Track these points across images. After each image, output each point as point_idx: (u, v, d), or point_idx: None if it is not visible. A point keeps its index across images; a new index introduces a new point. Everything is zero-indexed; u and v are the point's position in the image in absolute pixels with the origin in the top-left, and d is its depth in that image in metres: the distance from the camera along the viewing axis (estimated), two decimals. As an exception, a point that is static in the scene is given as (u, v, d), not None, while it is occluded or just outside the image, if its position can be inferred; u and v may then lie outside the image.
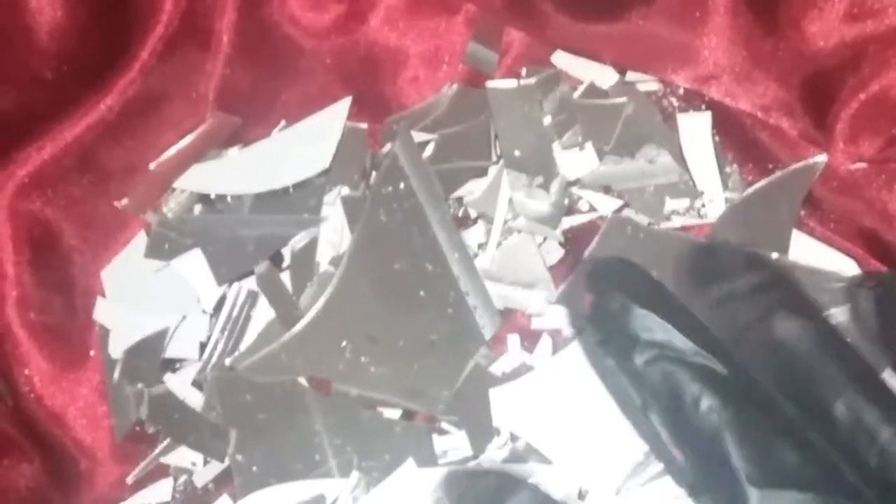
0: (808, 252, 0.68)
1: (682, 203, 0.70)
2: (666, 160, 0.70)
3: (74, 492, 0.71)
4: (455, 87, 0.76)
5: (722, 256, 0.58)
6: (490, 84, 0.75)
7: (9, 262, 0.70)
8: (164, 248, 0.73)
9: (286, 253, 0.73)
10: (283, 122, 0.76)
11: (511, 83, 0.74)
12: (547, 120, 0.73)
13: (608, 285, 0.49)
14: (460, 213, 0.74)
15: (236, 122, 0.75)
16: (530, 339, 0.70)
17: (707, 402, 0.45)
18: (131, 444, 0.72)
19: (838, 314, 0.64)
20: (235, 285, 0.72)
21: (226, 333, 0.71)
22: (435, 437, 0.68)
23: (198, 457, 0.71)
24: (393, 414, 0.69)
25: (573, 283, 0.68)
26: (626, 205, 0.71)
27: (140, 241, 0.74)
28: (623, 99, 0.73)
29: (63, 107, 0.69)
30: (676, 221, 0.71)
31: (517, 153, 0.71)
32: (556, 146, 0.72)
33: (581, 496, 0.64)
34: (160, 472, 0.72)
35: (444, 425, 0.69)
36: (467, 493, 0.52)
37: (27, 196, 0.70)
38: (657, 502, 0.63)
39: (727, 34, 0.69)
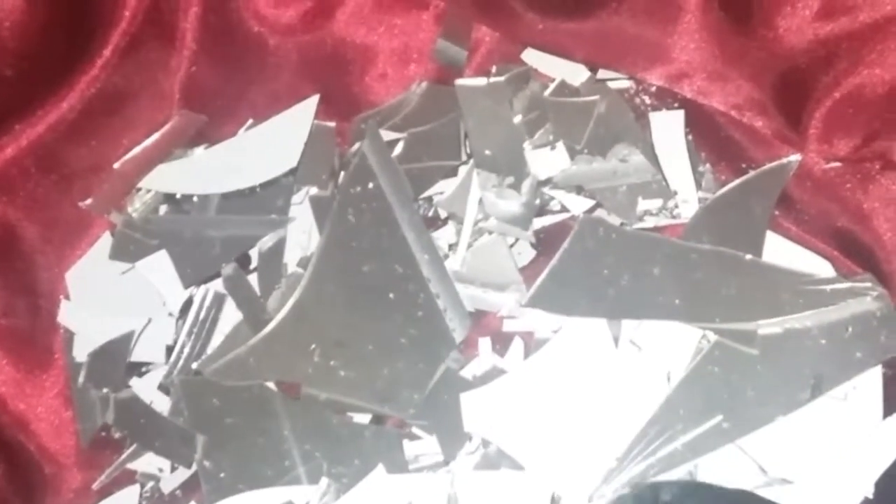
0: (783, 253, 0.67)
1: (655, 203, 0.70)
2: (638, 159, 0.70)
3: (39, 498, 0.70)
4: (424, 84, 0.76)
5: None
6: (459, 82, 0.74)
7: (-30, 265, 0.69)
8: (129, 249, 0.72)
9: (254, 254, 0.72)
10: (249, 121, 0.76)
11: (481, 81, 0.74)
12: (517, 118, 0.72)
13: None
14: (430, 214, 0.73)
15: (202, 120, 0.74)
16: (502, 341, 0.70)
17: None
18: (97, 450, 0.71)
19: (812, 317, 0.64)
20: (202, 287, 0.71)
21: (192, 337, 0.70)
22: (405, 442, 0.67)
23: (165, 463, 0.70)
24: (363, 419, 0.68)
25: (545, 285, 0.67)
26: (598, 205, 0.71)
27: (105, 242, 0.73)
28: (595, 97, 0.72)
29: (24, 105, 0.68)
30: (649, 222, 0.70)
31: (487, 152, 0.71)
32: (526, 145, 0.71)
33: (554, 502, 0.63)
34: (126, 478, 0.71)
35: (415, 430, 0.68)
36: None
37: (-12, 197, 0.68)
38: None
39: (699, 32, 0.69)
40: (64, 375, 0.71)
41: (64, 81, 0.68)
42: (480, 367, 0.69)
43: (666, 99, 0.73)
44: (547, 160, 0.70)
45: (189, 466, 0.69)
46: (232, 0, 0.73)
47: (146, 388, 0.71)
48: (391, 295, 0.67)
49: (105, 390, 0.70)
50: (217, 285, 0.71)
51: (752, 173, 0.69)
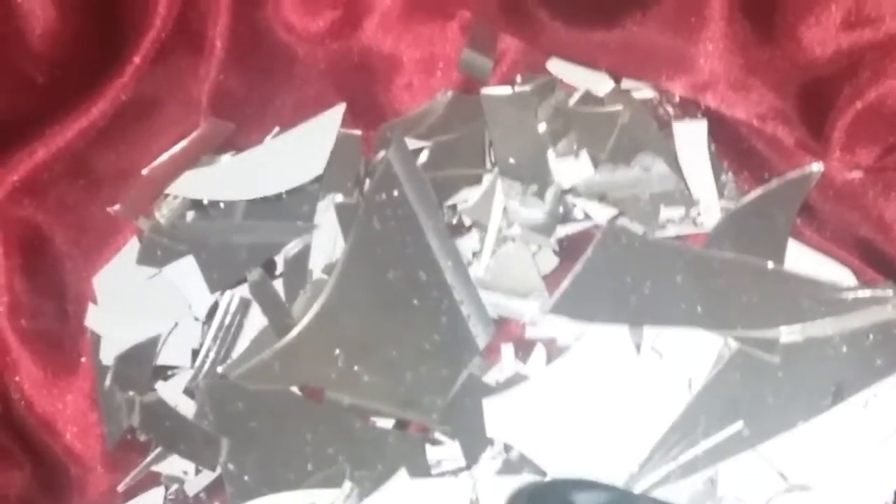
0: (805, 262, 0.67)
1: (678, 212, 0.70)
2: (661, 168, 0.70)
3: (65, 500, 0.71)
4: (449, 93, 0.76)
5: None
6: (485, 91, 0.74)
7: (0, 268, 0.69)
8: (156, 254, 0.72)
9: (279, 260, 0.72)
10: (276, 128, 0.76)
11: (506, 90, 0.74)
12: (542, 127, 0.72)
13: None
14: (454, 221, 0.73)
15: (229, 127, 0.75)
16: (524, 348, 0.70)
17: None
18: (122, 452, 0.71)
19: (833, 324, 0.64)
20: (228, 293, 0.71)
21: (218, 341, 0.71)
22: (428, 446, 0.67)
23: (189, 465, 0.70)
24: (386, 423, 0.69)
25: (568, 292, 0.67)
26: (620, 213, 0.71)
27: (132, 247, 0.73)
28: (618, 107, 0.72)
29: (55, 111, 0.69)
30: (671, 230, 0.70)
31: (512, 161, 0.71)
32: (550, 154, 0.71)
33: (574, 507, 0.64)
34: (151, 480, 0.72)
35: (438, 435, 0.68)
36: None
37: (18, 201, 0.69)
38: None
39: (723, 42, 0.69)
40: (90, 378, 0.72)
41: (94, 88, 0.69)
42: (503, 373, 0.69)
43: (689, 109, 0.73)
44: (571, 169, 0.70)
45: (213, 469, 0.69)
46: (261, 9, 0.74)
47: (172, 392, 0.71)
48: (415, 301, 0.68)
49: (131, 393, 0.70)
50: (243, 290, 0.72)
51: (774, 183, 0.69)
